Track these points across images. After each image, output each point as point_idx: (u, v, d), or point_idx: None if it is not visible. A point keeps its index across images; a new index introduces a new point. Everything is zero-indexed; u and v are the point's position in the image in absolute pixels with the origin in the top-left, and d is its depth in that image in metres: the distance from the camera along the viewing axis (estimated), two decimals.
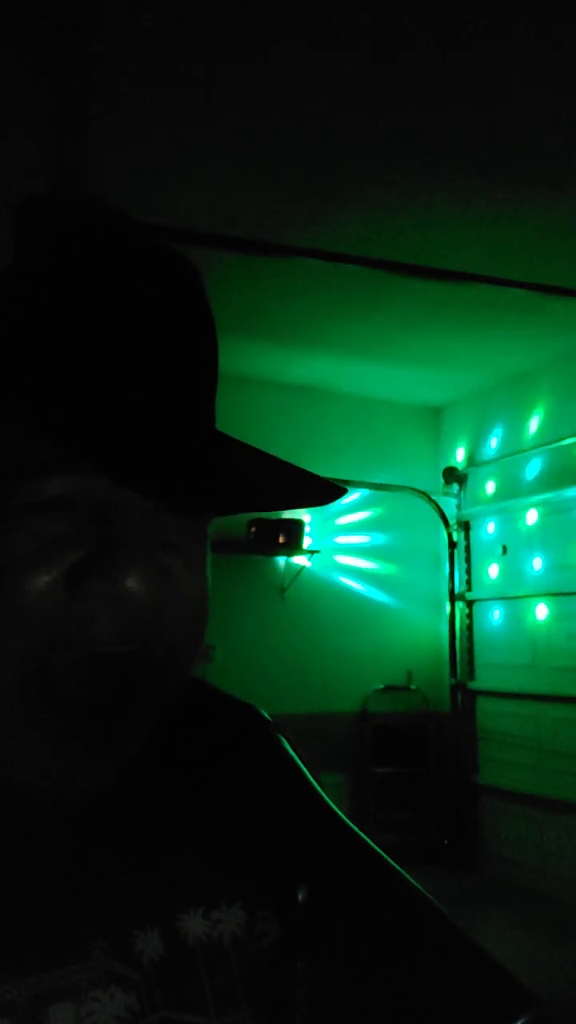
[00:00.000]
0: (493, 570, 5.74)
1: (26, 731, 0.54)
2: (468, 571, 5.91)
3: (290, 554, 5.63)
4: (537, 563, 5.36)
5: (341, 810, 0.69)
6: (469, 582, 5.90)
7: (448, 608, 5.96)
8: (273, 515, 5.37)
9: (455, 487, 6.01)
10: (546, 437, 5.36)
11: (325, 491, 0.57)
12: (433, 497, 5.93)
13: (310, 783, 0.70)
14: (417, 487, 5.91)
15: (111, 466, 0.49)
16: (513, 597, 5.53)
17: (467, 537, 5.95)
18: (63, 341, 0.54)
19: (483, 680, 5.76)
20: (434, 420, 6.30)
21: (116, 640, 0.53)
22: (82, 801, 0.58)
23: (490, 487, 5.81)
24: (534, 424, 5.50)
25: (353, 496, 5.78)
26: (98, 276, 0.56)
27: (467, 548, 5.94)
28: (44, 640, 0.53)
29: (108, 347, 0.54)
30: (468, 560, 5.93)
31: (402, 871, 0.66)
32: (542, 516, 5.36)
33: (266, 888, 0.63)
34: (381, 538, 5.98)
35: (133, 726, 0.55)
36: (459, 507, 5.99)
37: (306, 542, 5.57)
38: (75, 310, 0.55)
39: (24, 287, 0.57)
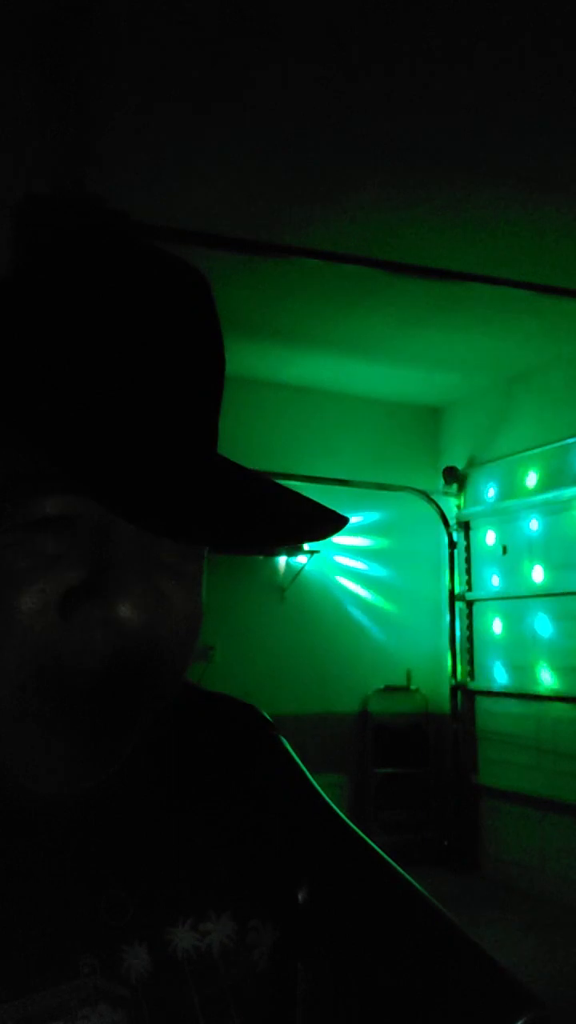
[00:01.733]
0: (493, 570, 5.74)
1: (20, 724, 0.53)
2: (468, 571, 5.91)
3: (290, 554, 5.63)
4: (537, 563, 5.36)
5: (341, 810, 0.69)
6: (469, 582, 5.90)
7: (448, 608, 5.96)
8: None
9: (455, 487, 6.01)
10: (546, 437, 5.36)
11: (329, 523, 0.56)
12: (433, 497, 5.93)
13: (312, 784, 0.70)
14: (417, 487, 5.91)
15: (108, 497, 0.48)
16: (513, 597, 5.53)
17: (467, 537, 5.95)
18: (62, 354, 0.53)
19: (483, 680, 5.76)
20: (434, 420, 6.30)
21: (109, 665, 0.52)
22: (73, 804, 0.57)
23: (490, 487, 5.81)
24: (533, 424, 5.50)
25: (352, 496, 5.78)
26: (101, 285, 0.54)
27: (467, 548, 5.95)
28: (36, 661, 0.52)
29: (109, 362, 0.53)
30: (468, 560, 5.93)
31: (403, 872, 0.66)
32: (542, 516, 5.36)
33: (266, 889, 0.63)
34: (381, 538, 5.98)
35: (125, 734, 0.55)
36: (459, 507, 5.99)
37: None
38: (75, 321, 0.53)
39: (23, 295, 0.56)
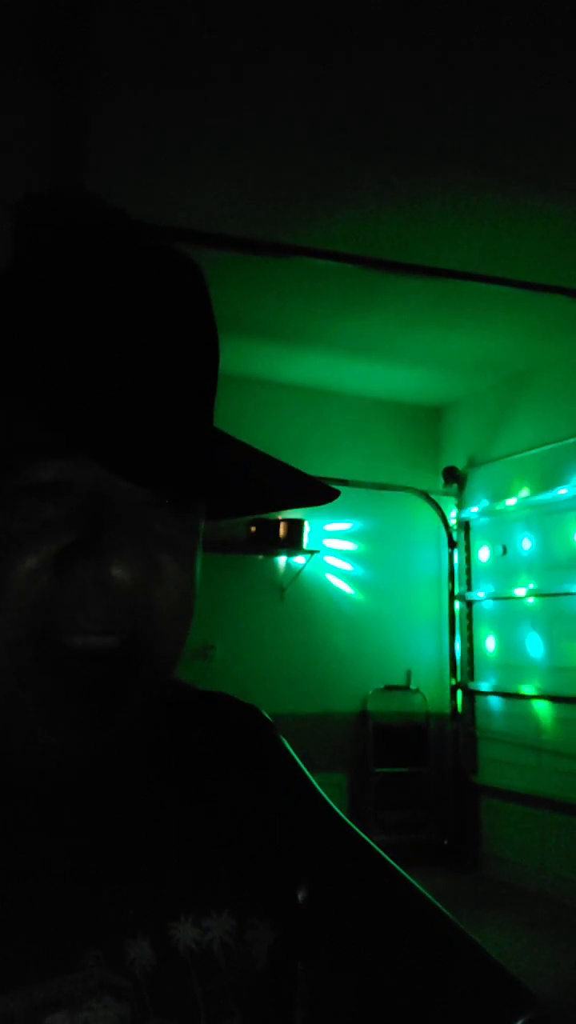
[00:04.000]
0: (493, 570, 5.74)
1: (20, 694, 0.54)
2: (468, 571, 5.91)
3: (290, 554, 5.63)
4: (537, 563, 5.36)
5: (341, 810, 0.70)
6: (468, 582, 5.90)
7: (448, 608, 5.96)
8: (273, 515, 5.37)
9: (455, 487, 6.01)
10: (546, 437, 5.36)
11: (319, 492, 0.57)
12: (433, 497, 5.93)
13: (312, 784, 0.70)
14: (417, 487, 5.91)
15: (103, 454, 0.50)
16: (513, 597, 5.53)
17: (467, 537, 5.96)
18: (63, 331, 0.55)
19: (483, 680, 5.76)
20: (434, 420, 6.30)
21: (101, 627, 0.53)
22: (76, 798, 0.58)
23: (490, 487, 5.81)
24: (534, 424, 5.50)
25: (353, 496, 5.78)
26: (100, 270, 0.57)
27: (467, 548, 5.95)
28: (32, 621, 0.53)
29: (107, 339, 0.55)
30: (468, 560, 5.93)
31: (403, 871, 0.66)
32: (542, 516, 5.36)
33: (265, 888, 0.63)
34: (381, 538, 5.98)
35: (122, 704, 0.56)
36: (459, 507, 5.99)
37: (306, 542, 5.57)
38: (76, 301, 0.55)
39: (26, 279, 0.58)
